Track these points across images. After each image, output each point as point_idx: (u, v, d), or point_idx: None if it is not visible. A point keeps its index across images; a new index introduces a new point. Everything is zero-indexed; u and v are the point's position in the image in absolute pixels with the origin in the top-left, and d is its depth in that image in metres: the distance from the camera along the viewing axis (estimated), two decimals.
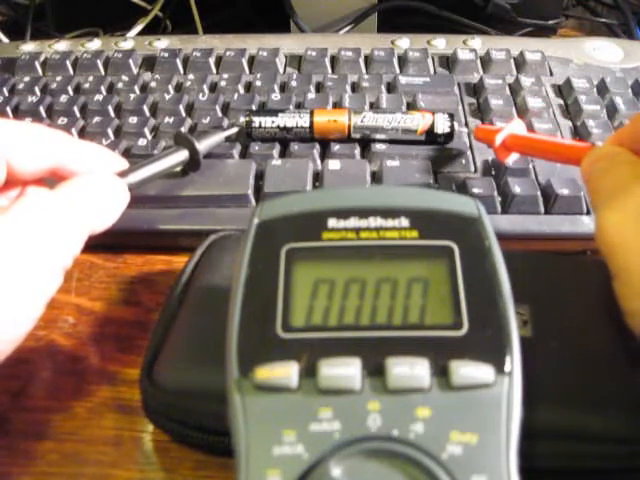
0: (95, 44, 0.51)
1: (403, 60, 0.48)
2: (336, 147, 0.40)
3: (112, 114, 0.44)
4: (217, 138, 0.39)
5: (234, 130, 0.41)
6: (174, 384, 0.27)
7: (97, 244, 0.38)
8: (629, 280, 0.25)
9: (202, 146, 0.38)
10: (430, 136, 0.40)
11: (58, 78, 0.47)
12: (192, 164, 0.38)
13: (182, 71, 0.48)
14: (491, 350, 0.22)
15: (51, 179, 0.32)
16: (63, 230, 0.27)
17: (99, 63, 0.48)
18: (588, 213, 0.37)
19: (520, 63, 0.48)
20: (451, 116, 0.40)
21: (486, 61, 0.48)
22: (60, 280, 0.27)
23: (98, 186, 0.30)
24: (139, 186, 0.34)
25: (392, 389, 0.21)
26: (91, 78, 0.47)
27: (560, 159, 0.35)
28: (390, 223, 0.25)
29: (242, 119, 0.41)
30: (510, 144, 0.37)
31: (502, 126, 0.38)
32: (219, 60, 0.49)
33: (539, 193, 0.37)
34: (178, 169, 0.38)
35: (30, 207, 0.27)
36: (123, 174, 0.33)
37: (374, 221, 0.25)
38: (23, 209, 0.26)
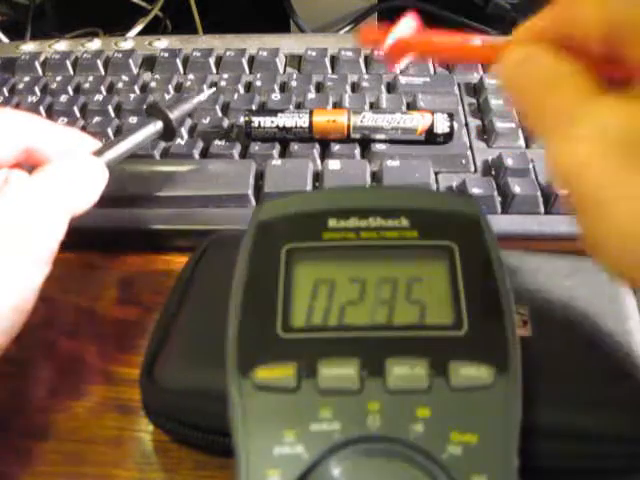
0: (95, 44, 0.51)
1: None
2: (336, 147, 0.40)
3: (112, 114, 0.44)
4: (190, 105, 0.39)
5: (208, 93, 0.41)
6: (174, 384, 0.27)
7: (97, 244, 0.38)
8: (606, 218, 0.20)
9: (175, 114, 0.37)
10: (430, 136, 0.40)
11: (58, 78, 0.47)
12: (167, 134, 0.38)
13: (182, 71, 0.48)
14: (491, 350, 0.22)
15: (27, 164, 0.31)
16: (45, 216, 0.27)
17: (99, 63, 0.48)
18: None
19: None
20: (451, 116, 0.40)
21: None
22: (48, 267, 0.27)
23: (77, 167, 0.30)
24: (116, 163, 0.33)
25: (392, 389, 0.21)
26: (91, 78, 0.47)
27: (466, 60, 0.31)
28: (390, 223, 0.25)
29: (242, 119, 0.41)
30: (404, 46, 0.31)
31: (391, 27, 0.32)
32: (219, 60, 0.49)
33: (539, 193, 0.37)
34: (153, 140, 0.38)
35: (10, 195, 0.26)
36: (99, 153, 0.33)
37: (374, 221, 0.25)
38: (2, 197, 0.26)
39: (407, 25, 0.32)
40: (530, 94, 0.23)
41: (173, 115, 0.37)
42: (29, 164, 0.31)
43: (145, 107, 0.39)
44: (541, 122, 0.22)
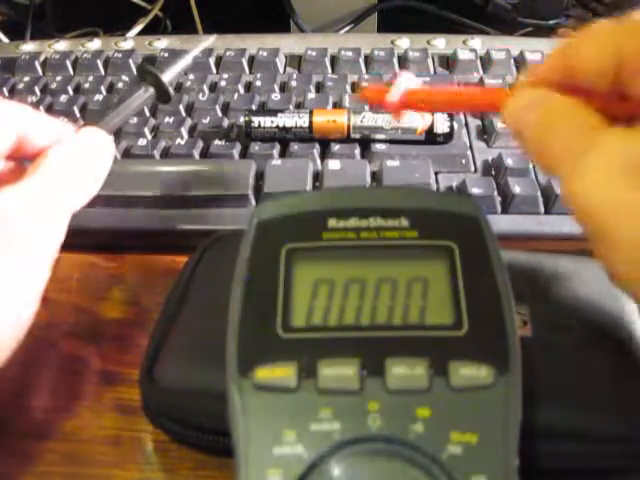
0: (95, 44, 0.51)
1: (403, 60, 0.48)
2: (336, 147, 0.40)
3: None
4: (182, 64, 0.37)
5: (199, 48, 0.39)
6: (174, 384, 0.27)
7: (97, 244, 0.38)
8: (618, 243, 0.21)
9: (167, 76, 0.36)
10: (430, 136, 0.40)
11: (58, 78, 0.47)
12: (162, 97, 0.36)
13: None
14: (491, 350, 0.22)
15: (19, 155, 0.30)
16: (43, 221, 0.27)
17: (99, 63, 0.48)
18: None
19: (520, 63, 0.48)
20: (450, 116, 0.40)
21: (486, 61, 0.48)
22: (48, 273, 0.27)
23: (77, 152, 0.29)
24: (112, 132, 0.33)
25: (392, 389, 0.21)
26: (91, 78, 0.47)
27: (471, 109, 0.32)
28: (390, 223, 0.25)
29: (242, 119, 0.41)
30: (407, 101, 0.32)
31: (390, 82, 0.32)
32: (219, 60, 0.49)
33: (539, 193, 0.37)
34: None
35: (3, 202, 0.26)
36: (100, 126, 0.32)
37: (374, 221, 0.25)
38: (2, 202, 0.26)
39: (407, 80, 0.32)
40: (539, 134, 0.24)
41: (165, 76, 0.35)
42: (21, 155, 0.30)
43: (137, 69, 0.37)
44: (551, 160, 0.23)
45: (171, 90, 0.36)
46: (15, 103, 0.30)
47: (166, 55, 0.48)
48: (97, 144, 0.30)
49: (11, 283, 0.25)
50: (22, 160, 0.30)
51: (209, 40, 0.40)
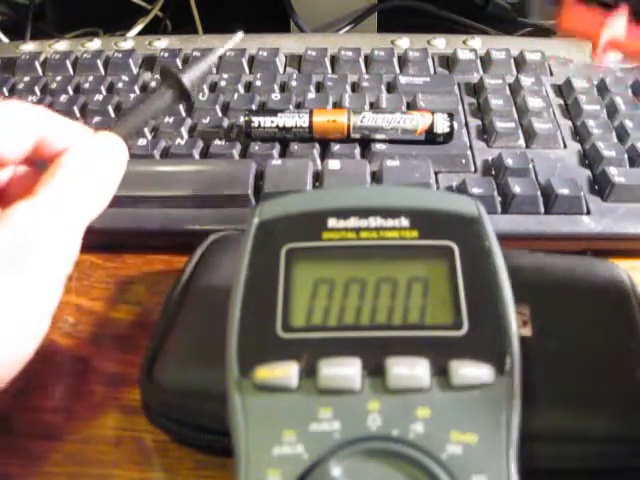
0: (95, 44, 0.51)
1: (403, 60, 0.48)
2: (336, 147, 0.40)
3: (112, 114, 0.44)
4: (205, 63, 0.36)
5: (226, 47, 0.38)
6: (174, 384, 0.27)
7: (97, 244, 0.38)
8: None
9: (189, 76, 0.35)
10: (430, 136, 0.40)
11: (58, 78, 0.47)
12: (182, 97, 0.35)
13: None
14: (491, 350, 0.22)
15: (36, 158, 0.30)
16: (57, 239, 0.26)
17: (99, 63, 0.48)
18: (588, 213, 0.37)
19: (520, 63, 0.48)
20: (450, 116, 0.40)
21: (486, 61, 0.48)
22: (61, 290, 0.26)
23: (91, 160, 0.28)
24: (131, 136, 0.32)
25: (392, 389, 0.21)
26: (91, 78, 0.47)
27: None
28: (390, 223, 0.25)
29: (242, 119, 0.41)
30: (612, 46, 0.32)
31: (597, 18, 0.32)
32: (219, 60, 0.49)
33: (539, 193, 0.37)
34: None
35: (16, 221, 0.25)
36: (112, 129, 0.31)
37: (374, 221, 0.25)
38: (7, 225, 0.25)
39: (619, 22, 0.32)
40: None
41: (186, 77, 0.34)
42: (40, 157, 0.29)
43: (160, 70, 0.36)
44: None
45: (192, 91, 0.35)
46: (34, 106, 0.30)
47: (166, 55, 0.49)
48: (110, 150, 0.30)
49: (24, 302, 0.24)
50: (39, 163, 0.29)
51: (237, 37, 0.38)
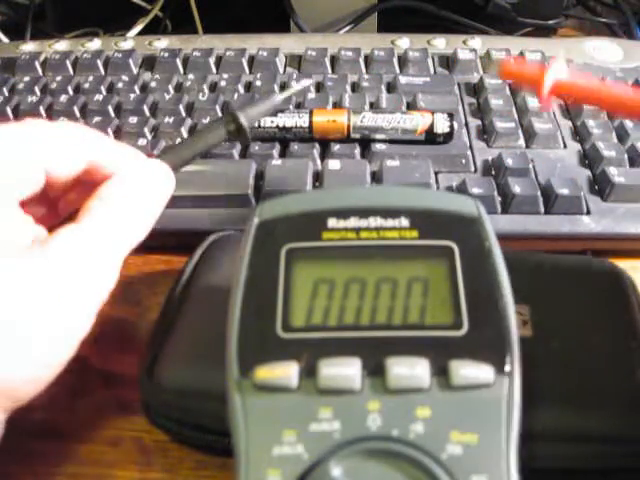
0: (95, 44, 0.51)
1: (403, 60, 0.48)
2: (336, 147, 0.40)
3: (112, 114, 0.44)
4: (265, 106, 0.35)
5: (283, 96, 0.36)
6: (174, 384, 0.27)
7: None
8: None
9: (248, 117, 0.34)
10: (430, 136, 0.40)
11: (58, 78, 0.47)
12: (239, 136, 0.34)
13: (182, 71, 0.48)
14: (491, 350, 0.22)
15: (87, 181, 0.29)
16: (97, 271, 0.26)
17: (99, 63, 0.48)
18: (588, 213, 0.37)
19: None
20: (450, 116, 0.40)
21: (486, 61, 0.48)
22: (93, 320, 0.26)
23: (137, 190, 0.28)
24: (182, 168, 0.32)
25: (392, 389, 0.21)
26: (91, 78, 0.47)
27: (621, 112, 0.30)
28: (390, 223, 0.25)
29: None
30: (557, 90, 0.30)
31: (536, 64, 0.31)
32: (219, 60, 0.49)
33: (539, 193, 0.37)
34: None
35: (56, 249, 0.25)
36: (166, 159, 0.31)
37: (374, 221, 0.25)
38: (49, 253, 0.25)
39: (560, 68, 0.31)
40: None
41: (244, 117, 0.34)
42: (89, 181, 0.29)
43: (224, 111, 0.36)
44: None
45: (249, 130, 0.34)
46: (88, 128, 0.30)
47: (166, 55, 0.48)
48: (158, 179, 0.29)
49: (58, 329, 0.25)
50: (90, 185, 0.29)
51: (304, 82, 0.39)
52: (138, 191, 0.28)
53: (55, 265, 0.25)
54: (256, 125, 0.40)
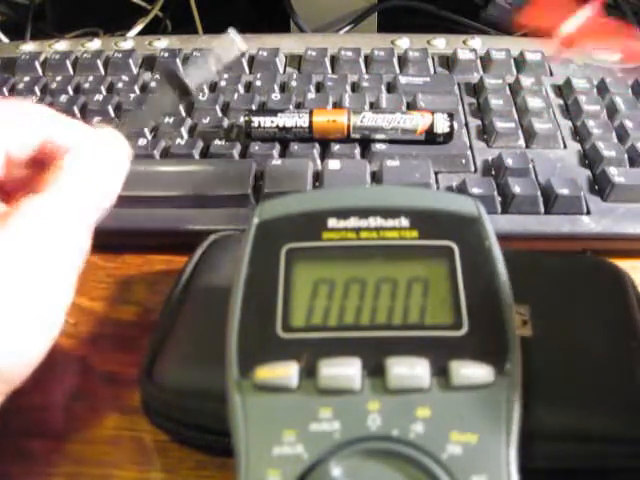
0: (95, 44, 0.51)
1: (403, 60, 0.48)
2: (336, 147, 0.40)
3: (112, 114, 0.44)
4: (204, 62, 0.35)
5: (218, 50, 0.36)
6: (174, 384, 0.27)
7: (97, 244, 0.38)
8: None
9: (188, 75, 0.34)
10: (430, 136, 0.40)
11: (58, 78, 0.47)
12: (183, 95, 0.34)
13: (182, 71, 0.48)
14: (491, 350, 0.22)
15: (42, 159, 0.29)
16: (66, 242, 0.26)
17: (99, 63, 0.48)
18: (588, 213, 0.37)
19: (520, 63, 0.48)
20: (450, 116, 0.40)
21: (486, 61, 0.48)
22: (74, 288, 0.26)
23: (96, 159, 0.28)
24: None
25: (392, 389, 0.21)
26: (91, 78, 0.47)
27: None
28: (390, 223, 0.25)
29: (242, 119, 0.41)
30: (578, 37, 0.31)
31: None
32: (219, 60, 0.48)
33: (539, 193, 0.37)
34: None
35: (32, 215, 0.25)
36: (119, 128, 0.31)
37: (374, 221, 0.25)
38: (24, 219, 0.25)
39: (583, 14, 0.30)
40: None
41: (186, 74, 0.34)
42: (44, 156, 0.29)
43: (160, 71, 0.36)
44: None
45: (192, 88, 0.34)
46: (40, 105, 0.30)
47: (166, 55, 0.48)
48: (113, 146, 0.30)
49: (39, 295, 0.25)
50: (43, 164, 0.29)
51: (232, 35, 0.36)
52: (96, 158, 0.28)
53: (26, 229, 0.24)
54: (256, 125, 0.40)
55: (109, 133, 0.30)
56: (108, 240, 0.38)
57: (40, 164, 0.29)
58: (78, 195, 0.27)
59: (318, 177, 0.39)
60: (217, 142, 0.41)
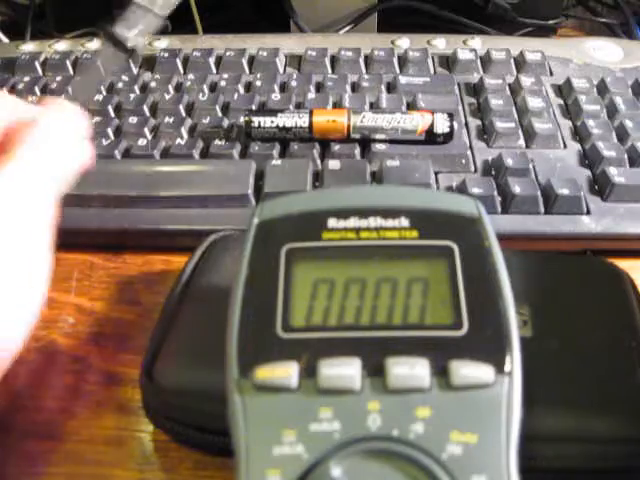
0: (95, 44, 0.51)
1: (403, 60, 0.48)
2: (336, 147, 0.40)
3: (112, 114, 0.44)
4: (137, 15, 0.35)
5: None
6: (174, 384, 0.27)
7: (97, 244, 0.38)
8: None
9: (119, 28, 0.34)
10: (430, 136, 0.40)
11: (58, 78, 0.47)
12: (119, 50, 0.34)
13: (182, 71, 0.48)
14: (491, 350, 0.22)
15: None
16: (33, 202, 0.26)
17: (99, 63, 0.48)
18: (588, 213, 0.37)
19: (520, 63, 0.48)
20: (450, 116, 0.40)
21: (486, 61, 0.48)
22: (50, 255, 0.26)
23: (55, 128, 0.28)
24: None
25: (392, 389, 0.21)
26: None
27: None
28: (390, 223, 0.25)
29: (242, 119, 0.41)
30: None
31: None
32: (219, 60, 0.49)
33: (539, 193, 0.37)
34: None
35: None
36: (75, 99, 0.31)
37: (374, 221, 0.25)
38: None
39: None
40: None
41: (117, 28, 0.33)
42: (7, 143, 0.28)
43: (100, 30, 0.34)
44: None
45: (125, 39, 0.34)
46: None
47: (166, 55, 0.48)
48: (69, 115, 0.30)
49: (15, 264, 0.24)
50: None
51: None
52: (53, 127, 0.28)
53: None
54: (256, 125, 0.40)
55: (64, 103, 0.30)
56: (108, 240, 0.38)
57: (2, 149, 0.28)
58: (38, 164, 0.27)
59: (318, 177, 0.39)
60: (217, 142, 0.41)
